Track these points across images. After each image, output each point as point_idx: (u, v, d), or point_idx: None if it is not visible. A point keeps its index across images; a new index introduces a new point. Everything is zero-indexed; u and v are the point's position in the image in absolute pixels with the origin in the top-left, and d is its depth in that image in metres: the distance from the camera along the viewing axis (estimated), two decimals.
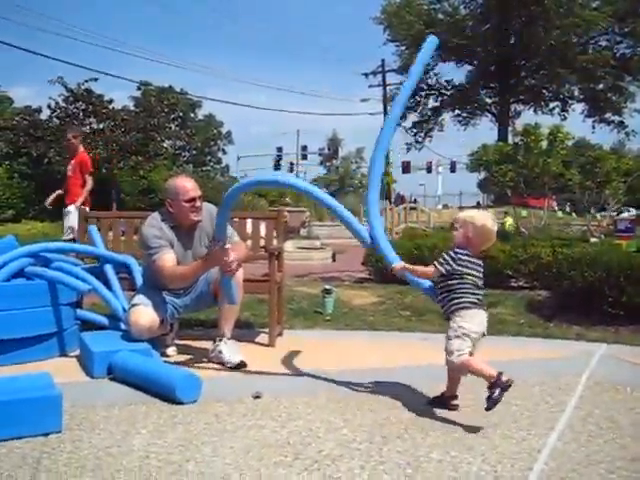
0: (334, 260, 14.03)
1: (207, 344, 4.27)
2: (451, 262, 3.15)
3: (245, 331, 4.97)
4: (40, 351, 4.03)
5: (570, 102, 43.67)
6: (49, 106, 26.84)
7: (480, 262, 3.23)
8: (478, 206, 42.60)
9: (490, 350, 4.54)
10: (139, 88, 37.47)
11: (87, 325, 4.50)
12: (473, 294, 3.16)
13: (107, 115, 26.50)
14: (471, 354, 3.10)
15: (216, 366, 3.95)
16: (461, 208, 41.57)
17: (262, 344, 4.67)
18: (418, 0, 41.20)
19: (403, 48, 43.29)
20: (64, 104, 26.82)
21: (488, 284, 7.75)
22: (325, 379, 3.74)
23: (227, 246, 3.71)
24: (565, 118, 41.31)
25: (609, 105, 42.45)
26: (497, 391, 2.89)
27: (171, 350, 4.23)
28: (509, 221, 17.22)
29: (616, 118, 42.76)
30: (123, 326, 4.35)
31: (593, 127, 43.43)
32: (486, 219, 3.21)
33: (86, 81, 26.46)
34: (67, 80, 26.58)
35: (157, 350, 3.96)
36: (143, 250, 4.11)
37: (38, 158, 25.44)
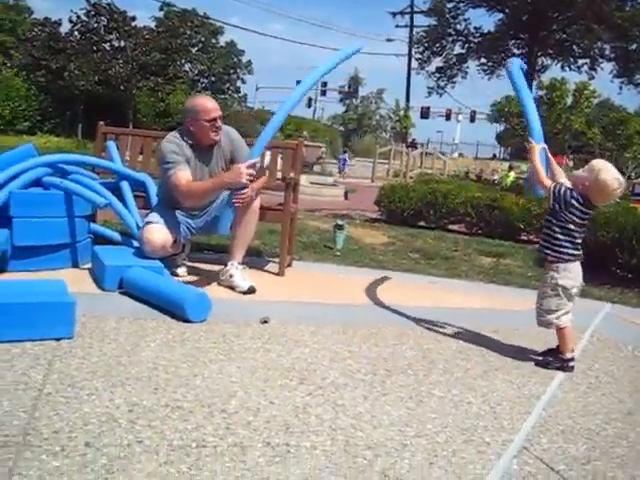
0: (346, 198, 14.03)
1: (217, 268, 4.31)
2: (562, 203, 3.02)
3: (255, 259, 5.00)
4: (53, 261, 4.07)
5: (600, 60, 42.58)
6: (70, 19, 26.42)
7: (590, 212, 3.07)
8: (494, 158, 42.23)
9: (496, 299, 4.61)
10: (161, 9, 36.77)
11: (99, 240, 4.54)
12: (573, 244, 3.07)
13: (129, 33, 26.09)
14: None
15: (226, 289, 4.00)
16: (476, 159, 41.28)
17: (272, 272, 4.71)
18: None
19: None
20: (86, 18, 26.40)
21: (498, 235, 7.88)
22: (332, 310, 3.80)
23: (250, 170, 3.72)
24: (593, 77, 40.39)
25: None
26: (556, 364, 3.06)
27: (182, 270, 4.27)
28: (511, 177, 17.07)
29: None
30: (135, 243, 4.39)
31: (620, 88, 42.44)
32: (612, 178, 2.98)
33: None
34: None
35: (168, 269, 4.00)
36: (160, 165, 4.10)
37: (57, 71, 25.18)
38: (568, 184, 3.11)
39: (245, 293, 3.95)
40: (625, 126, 18.68)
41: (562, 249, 3.07)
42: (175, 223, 4.11)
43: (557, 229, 3.08)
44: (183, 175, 3.96)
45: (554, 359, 3.09)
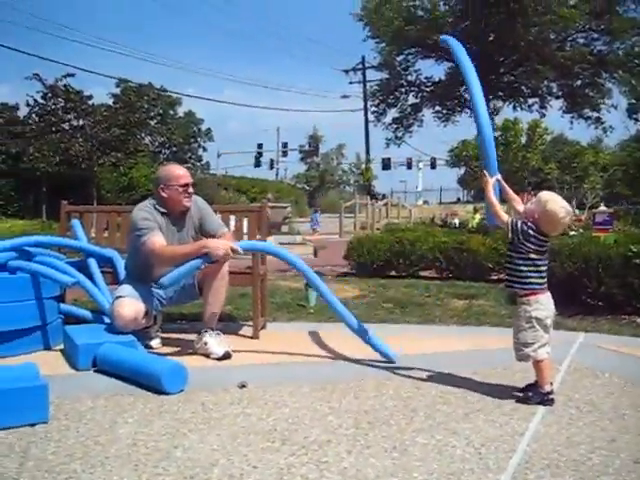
0: (316, 255, 14.06)
1: (191, 337, 4.29)
2: (519, 234, 3.09)
3: (229, 324, 4.98)
4: (24, 345, 4.01)
5: (548, 98, 43.91)
6: (27, 103, 26.57)
7: (547, 240, 3.16)
8: (458, 202, 42.87)
9: (472, 340, 4.63)
10: (118, 85, 37.17)
11: (70, 319, 4.49)
12: (537, 274, 3.13)
13: (87, 111, 26.28)
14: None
15: (201, 357, 3.97)
16: (441, 204, 41.88)
17: (246, 336, 4.69)
18: None
19: (383, 45, 43.36)
20: (42, 101, 26.57)
21: (469, 277, 7.94)
22: (309, 369, 3.79)
23: (234, 245, 3.85)
24: (544, 115, 41.56)
25: (586, 101, 42.77)
26: (536, 399, 3.07)
27: (155, 342, 4.24)
28: (477, 218, 17.30)
29: (594, 114, 43.14)
30: (107, 320, 4.35)
31: (571, 123, 43.62)
32: (558, 208, 3.08)
33: (63, 77, 26.23)
34: (44, 77, 26.31)
35: (141, 342, 3.97)
36: (131, 233, 4.09)
37: (17, 155, 25.18)
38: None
39: (220, 359, 3.92)
40: (580, 158, 19.25)
41: (528, 280, 3.13)
42: (146, 295, 4.09)
43: (520, 261, 3.15)
44: (158, 240, 3.95)
45: (534, 394, 3.11)
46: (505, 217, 3.19)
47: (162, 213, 4.12)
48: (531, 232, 3.10)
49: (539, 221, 3.11)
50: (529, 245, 3.11)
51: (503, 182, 3.41)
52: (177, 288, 4.24)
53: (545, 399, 3.07)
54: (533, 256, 3.12)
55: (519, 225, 3.12)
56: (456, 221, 23.89)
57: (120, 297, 4.00)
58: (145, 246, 3.95)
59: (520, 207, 3.29)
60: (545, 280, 3.17)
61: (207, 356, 3.97)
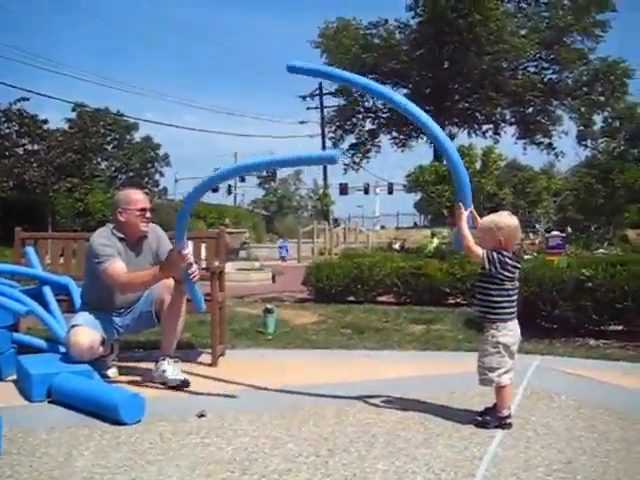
0: (274, 281, 14.05)
1: (148, 365, 4.23)
2: (497, 264, 3.13)
3: (187, 351, 4.93)
4: None
5: (502, 125, 45.03)
6: None
7: (519, 265, 3.24)
8: (415, 227, 43.29)
9: (431, 365, 4.67)
10: (74, 109, 36.77)
11: (24, 349, 4.38)
12: (509, 303, 3.18)
13: (41, 136, 25.88)
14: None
15: (159, 386, 3.91)
16: (398, 229, 42.21)
17: (204, 364, 4.64)
18: (355, 25, 41.89)
19: None
20: None
21: (426, 301, 8.01)
22: (268, 396, 3.76)
23: (185, 250, 3.71)
24: (497, 141, 42.51)
25: (538, 128, 43.98)
26: (494, 423, 3.10)
27: (112, 371, 4.16)
28: (434, 243, 17.50)
29: (545, 140, 44.29)
30: (62, 349, 4.26)
31: (524, 149, 44.93)
32: (509, 217, 3.23)
33: (17, 100, 25.84)
34: None
35: (98, 372, 3.89)
36: (90, 260, 4.01)
37: None
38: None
39: (178, 387, 3.87)
40: (533, 184, 19.69)
41: (501, 309, 3.18)
42: (102, 323, 4.02)
43: (494, 292, 3.19)
44: (119, 266, 3.91)
45: (492, 418, 3.14)
46: (479, 250, 3.21)
47: (120, 238, 4.08)
48: (508, 260, 3.15)
49: (506, 242, 3.18)
50: (505, 274, 3.16)
51: (476, 215, 3.44)
52: (134, 315, 4.19)
53: (503, 423, 3.10)
54: (508, 285, 3.19)
55: (495, 256, 3.15)
56: (397, 246, 24.19)
57: (76, 325, 3.93)
58: (106, 273, 3.90)
59: (479, 254, 3.24)
60: (515, 308, 3.23)
61: (165, 384, 3.92)
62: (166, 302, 4.00)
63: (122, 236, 4.09)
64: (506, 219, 3.24)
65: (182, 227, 3.74)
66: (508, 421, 3.12)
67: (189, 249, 3.92)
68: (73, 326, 3.95)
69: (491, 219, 3.29)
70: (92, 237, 4.10)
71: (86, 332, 3.87)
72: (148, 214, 4.14)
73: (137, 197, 4.14)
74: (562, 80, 42.10)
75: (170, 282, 4.00)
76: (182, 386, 3.88)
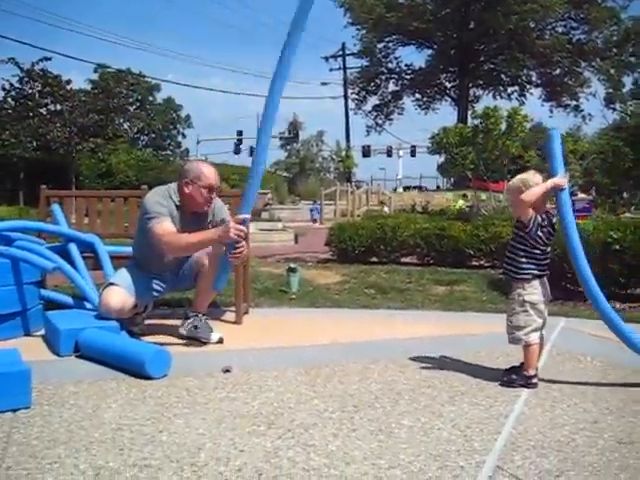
0: (296, 242, 14.06)
1: (174, 322, 4.27)
2: (536, 226, 3.12)
3: (211, 309, 4.94)
4: (4, 330, 3.95)
5: (528, 87, 44.32)
6: (3, 87, 26.14)
7: (554, 228, 3.23)
8: (437, 189, 43.03)
9: (454, 325, 4.66)
10: (96, 70, 36.72)
11: (51, 305, 4.44)
12: (536, 264, 3.17)
13: (65, 96, 25.90)
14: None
15: (184, 341, 3.95)
16: (420, 190, 41.99)
17: (229, 322, 4.68)
18: None
19: (364, 32, 43.27)
20: (19, 85, 26.16)
21: (450, 263, 7.98)
22: (293, 354, 3.78)
23: (240, 225, 3.62)
24: (523, 103, 41.88)
25: (565, 90, 43.20)
26: (520, 381, 3.10)
27: (138, 328, 4.20)
28: (459, 202, 17.39)
29: (572, 102, 43.54)
30: (88, 305, 4.31)
31: (550, 111, 44.22)
32: (538, 176, 3.20)
33: (40, 60, 25.82)
34: (20, 61, 25.88)
35: (124, 328, 3.93)
36: (142, 216, 3.96)
37: None
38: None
39: (214, 343, 3.92)
40: None
41: (526, 270, 3.17)
42: (141, 287, 4.01)
43: (522, 253, 3.18)
44: (169, 226, 3.84)
45: (518, 377, 3.13)
46: (530, 211, 3.17)
47: (177, 205, 3.99)
48: (543, 223, 3.14)
49: (538, 201, 3.14)
50: (540, 235, 3.14)
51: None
52: (177, 276, 4.18)
53: (529, 382, 3.10)
54: (537, 252, 3.17)
55: (538, 218, 3.14)
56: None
57: (112, 284, 3.94)
58: (153, 230, 3.82)
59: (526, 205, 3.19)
60: (543, 270, 3.21)
61: (195, 339, 3.95)
62: (206, 265, 3.99)
63: (180, 204, 4.00)
64: (533, 177, 3.21)
65: (248, 199, 3.70)
66: (534, 381, 3.11)
67: (247, 221, 3.76)
68: (110, 284, 3.96)
69: (519, 178, 3.26)
70: (148, 194, 4.04)
71: (120, 294, 3.87)
72: (214, 194, 4.01)
73: (208, 173, 3.96)
74: (591, 40, 41.17)
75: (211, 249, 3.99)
76: (218, 343, 3.92)
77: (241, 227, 3.63)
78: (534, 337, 3.15)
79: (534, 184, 3.17)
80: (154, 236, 3.83)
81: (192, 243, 3.80)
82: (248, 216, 3.71)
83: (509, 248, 3.28)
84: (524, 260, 3.17)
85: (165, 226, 3.83)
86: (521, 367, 3.18)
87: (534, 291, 3.17)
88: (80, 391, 2.96)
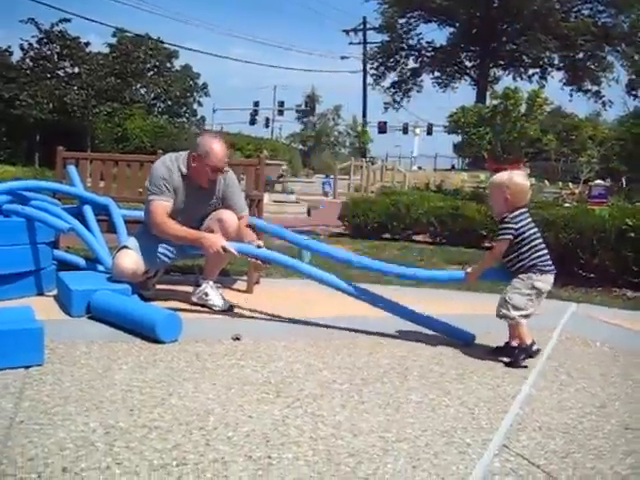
0: (309, 215, 14.06)
1: (185, 288, 4.30)
2: (511, 226, 3.16)
3: (222, 277, 4.96)
4: (17, 289, 3.99)
5: (549, 69, 43.77)
6: (21, 47, 26.09)
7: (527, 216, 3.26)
8: (452, 169, 42.77)
9: (467, 305, 4.66)
10: (114, 34, 36.53)
11: (63, 266, 4.47)
12: (544, 256, 3.20)
13: (83, 59, 25.83)
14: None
15: (195, 308, 3.98)
16: (435, 170, 41.76)
17: (240, 290, 4.70)
18: None
19: (386, 6, 42.77)
20: (37, 45, 26.09)
21: (462, 243, 7.95)
22: (303, 324, 3.81)
23: (228, 246, 3.77)
24: (543, 86, 41.34)
25: (587, 74, 42.63)
26: (523, 354, 3.13)
27: (150, 292, 4.22)
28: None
29: (594, 87, 42.99)
30: (101, 267, 4.34)
31: (570, 95, 43.69)
32: (522, 179, 3.27)
33: (59, 22, 25.72)
34: (39, 22, 25.79)
35: (136, 291, 3.95)
36: (147, 183, 4.05)
37: (10, 100, 24.79)
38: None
39: (225, 311, 3.94)
40: (578, 131, 19.18)
41: (534, 267, 3.19)
42: (153, 252, 4.03)
43: (525, 256, 3.19)
44: (161, 205, 3.90)
45: (519, 352, 3.13)
46: (493, 250, 3.30)
47: (184, 175, 3.99)
48: (515, 216, 3.18)
49: (512, 198, 3.20)
50: (521, 225, 3.18)
51: (474, 269, 3.46)
52: (185, 245, 4.19)
53: (531, 351, 3.13)
54: (536, 242, 3.20)
55: (506, 223, 3.18)
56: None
57: (125, 248, 3.96)
58: (150, 205, 3.93)
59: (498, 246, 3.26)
60: (550, 262, 3.23)
61: (206, 307, 3.97)
62: (216, 231, 3.99)
63: (187, 174, 4.00)
64: (517, 178, 3.27)
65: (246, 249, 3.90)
66: (535, 348, 3.14)
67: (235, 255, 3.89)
68: (123, 247, 3.98)
69: (501, 176, 3.32)
70: (157, 162, 4.06)
71: (133, 257, 3.89)
72: (218, 174, 4.00)
73: (216, 153, 3.92)
74: (617, 24, 40.49)
75: (222, 215, 4.01)
76: (228, 310, 3.95)
77: (225, 251, 3.77)
78: (524, 321, 3.19)
79: (513, 185, 3.21)
80: (148, 211, 3.95)
81: (177, 235, 3.91)
82: (235, 252, 3.83)
83: (509, 258, 3.25)
84: (527, 261, 3.19)
85: (161, 205, 3.90)
86: (513, 344, 3.22)
87: (545, 279, 3.19)
88: (91, 352, 2.99)
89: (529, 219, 3.25)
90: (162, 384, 2.60)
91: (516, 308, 3.16)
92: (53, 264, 4.38)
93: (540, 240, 3.23)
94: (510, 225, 3.17)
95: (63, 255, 4.69)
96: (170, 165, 3.99)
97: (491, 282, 4.06)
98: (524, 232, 3.18)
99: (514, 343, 3.23)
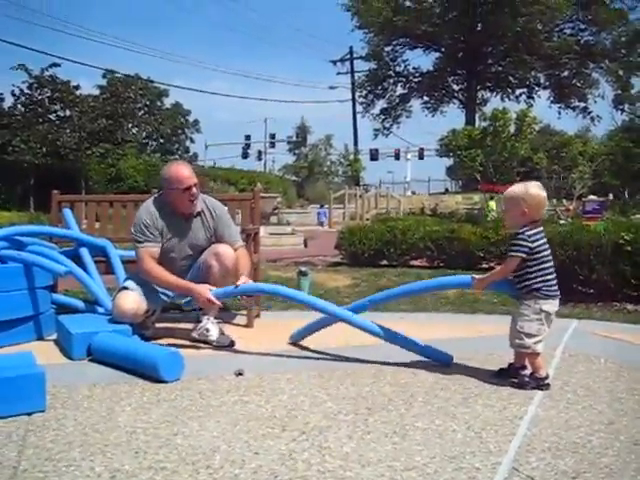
0: (306, 245, 14.08)
1: (185, 325, 4.28)
2: (527, 244, 3.08)
3: (222, 313, 4.95)
4: (17, 335, 3.97)
5: (536, 89, 44.23)
6: (13, 93, 26.28)
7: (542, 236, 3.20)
8: (446, 192, 42.93)
9: (466, 328, 4.65)
10: (104, 76, 36.87)
11: (63, 309, 4.46)
12: (552, 280, 3.15)
13: (74, 102, 26.03)
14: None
15: (196, 345, 3.96)
16: (430, 194, 41.91)
17: (241, 325, 4.69)
18: None
19: (371, 35, 43.31)
20: (28, 91, 26.31)
21: (460, 265, 7.96)
22: (305, 357, 3.79)
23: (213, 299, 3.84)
24: (531, 105, 41.70)
25: (574, 91, 43.08)
26: (533, 384, 3.08)
27: (150, 332, 4.21)
28: (491, 204, 17.13)
29: (581, 104, 43.40)
30: (100, 309, 4.33)
31: (559, 113, 44.12)
32: (538, 190, 3.16)
33: (49, 66, 25.98)
34: (29, 67, 26.04)
35: (136, 331, 3.94)
36: (131, 231, 4.08)
37: (3, 146, 24.91)
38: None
39: (226, 347, 3.94)
40: (568, 148, 19.36)
41: (541, 291, 3.13)
42: (153, 291, 4.06)
43: (532, 276, 3.13)
44: (147, 251, 3.96)
45: (530, 379, 3.12)
46: (507, 265, 3.19)
47: (168, 213, 4.04)
48: (531, 235, 3.11)
49: (530, 212, 3.12)
50: (535, 245, 3.11)
51: (484, 277, 3.37)
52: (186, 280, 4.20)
53: (541, 384, 3.08)
54: (545, 265, 3.13)
55: (519, 240, 3.10)
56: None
57: (125, 289, 3.97)
58: (137, 254, 4.00)
59: (511, 263, 3.18)
60: (556, 286, 3.18)
61: (208, 343, 3.96)
62: (214, 267, 4.01)
63: (170, 210, 4.04)
64: (533, 189, 3.16)
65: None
66: (546, 382, 3.10)
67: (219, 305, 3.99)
68: (123, 288, 3.99)
69: (517, 188, 3.22)
70: (140, 209, 4.10)
71: (133, 298, 3.90)
72: (194, 190, 4.01)
73: (181, 176, 3.98)
74: (599, 42, 41.02)
75: (218, 248, 4.03)
76: (230, 346, 3.94)
77: (212, 303, 3.86)
78: (540, 346, 3.13)
79: (530, 197, 3.14)
80: (137, 259, 4.01)
81: (167, 282, 3.98)
82: (219, 305, 3.97)
83: (518, 273, 3.20)
84: (538, 280, 3.12)
85: (147, 251, 3.96)
86: (510, 368, 3.22)
87: (551, 301, 3.15)
88: (94, 394, 2.97)
89: (544, 239, 3.17)
90: (166, 424, 2.58)
91: (529, 336, 3.11)
92: (52, 308, 4.37)
93: (550, 263, 3.15)
94: (526, 243, 3.09)
95: (62, 298, 4.68)
96: (153, 209, 4.04)
97: (494, 292, 4.01)
98: (538, 252, 3.11)
99: (519, 365, 3.20)
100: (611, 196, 19.42)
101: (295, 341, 4.04)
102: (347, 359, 3.68)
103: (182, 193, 3.98)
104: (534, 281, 3.12)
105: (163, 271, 3.95)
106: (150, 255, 3.95)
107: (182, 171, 4.03)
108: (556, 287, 3.18)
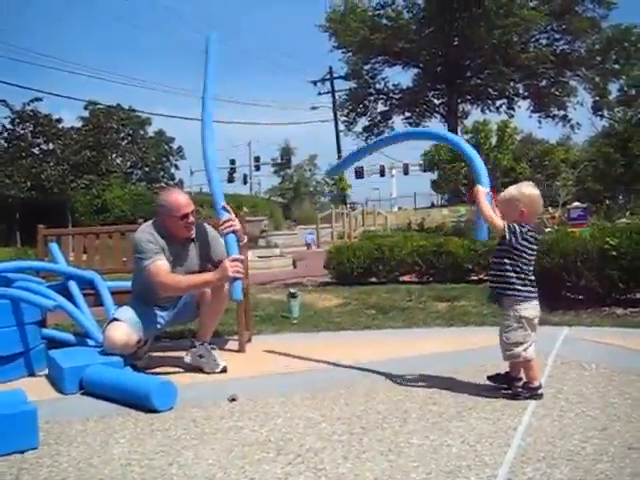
0: (295, 267, 14.05)
1: (177, 354, 4.26)
2: (517, 235, 3.12)
3: (214, 339, 4.93)
4: (7, 372, 3.94)
5: (515, 99, 44.55)
6: None
7: (539, 239, 3.24)
8: (432, 207, 43.09)
9: (458, 341, 4.66)
10: (86, 107, 36.93)
11: (53, 344, 4.43)
12: (529, 280, 3.17)
13: (56, 135, 26.04)
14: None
15: (188, 372, 3.95)
16: (416, 209, 42.07)
17: (232, 350, 4.67)
18: (362, 6, 41.52)
19: (349, 54, 43.63)
20: (10, 126, 26.30)
21: (449, 279, 7.97)
22: (298, 378, 3.78)
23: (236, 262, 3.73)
24: (512, 116, 42.02)
25: (553, 100, 43.43)
26: (526, 394, 3.10)
27: (142, 362, 4.19)
28: (462, 211, 17.23)
29: (560, 112, 43.78)
30: (90, 342, 4.31)
31: (539, 122, 44.40)
32: (531, 187, 3.21)
33: (31, 101, 26.02)
34: (10, 102, 26.07)
35: (127, 362, 3.92)
36: (134, 255, 4.04)
37: None
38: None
39: (219, 373, 3.94)
40: (550, 157, 19.56)
41: (520, 286, 3.16)
42: (144, 321, 4.02)
43: (509, 267, 3.17)
44: (162, 265, 3.89)
45: (523, 389, 3.13)
46: (500, 221, 3.19)
47: (164, 237, 4.03)
48: (529, 231, 3.14)
49: (527, 211, 3.16)
50: (524, 243, 3.14)
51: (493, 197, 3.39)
52: (179, 308, 4.20)
53: (534, 394, 3.10)
54: (524, 261, 3.16)
55: (516, 227, 3.14)
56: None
57: (116, 320, 3.95)
58: (148, 270, 3.88)
59: (500, 225, 3.21)
60: (535, 289, 3.21)
61: (200, 368, 3.95)
62: (207, 293, 4.01)
63: (166, 236, 4.03)
64: (526, 189, 3.23)
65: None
66: (539, 392, 3.11)
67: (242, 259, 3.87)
68: (114, 319, 3.97)
69: (512, 189, 3.28)
70: (136, 232, 4.09)
71: (124, 329, 3.87)
72: (191, 218, 4.02)
73: (178, 204, 3.99)
74: (575, 50, 41.47)
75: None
76: (222, 372, 3.94)
77: (237, 262, 3.72)
78: (531, 352, 3.15)
79: (525, 196, 3.19)
80: (149, 276, 3.89)
81: (190, 285, 3.91)
82: (240, 257, 3.81)
83: (493, 265, 3.29)
84: (512, 274, 3.17)
85: (159, 265, 3.89)
86: (507, 375, 3.23)
87: (529, 306, 3.17)
88: (87, 428, 2.96)
89: (536, 247, 3.20)
90: (161, 454, 2.57)
91: (516, 344, 3.13)
92: (42, 343, 4.34)
93: (530, 268, 3.19)
94: (518, 230, 3.12)
95: (52, 333, 4.65)
96: (149, 230, 4.03)
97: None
98: (521, 249, 3.14)
99: (515, 375, 3.21)
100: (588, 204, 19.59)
101: (330, 175, 4.04)
102: (339, 379, 3.67)
103: (179, 220, 3.99)
104: (510, 274, 3.16)
105: (179, 276, 3.92)
106: (164, 268, 3.88)
107: (179, 198, 4.05)
108: (533, 291, 3.20)
